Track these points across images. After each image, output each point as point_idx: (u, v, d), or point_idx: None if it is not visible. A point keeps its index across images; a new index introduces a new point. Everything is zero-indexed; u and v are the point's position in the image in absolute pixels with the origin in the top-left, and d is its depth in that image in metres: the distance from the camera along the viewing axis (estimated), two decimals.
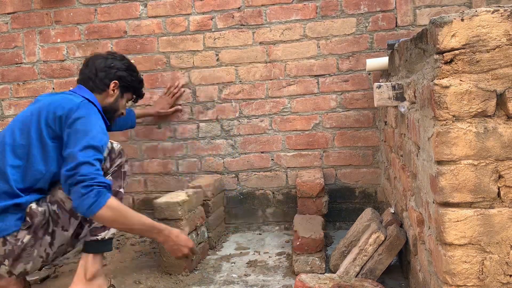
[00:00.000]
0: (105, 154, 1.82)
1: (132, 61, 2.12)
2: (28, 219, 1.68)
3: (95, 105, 1.84)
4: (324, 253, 2.16)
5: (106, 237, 1.82)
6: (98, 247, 1.81)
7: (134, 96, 2.14)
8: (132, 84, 2.04)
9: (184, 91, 2.88)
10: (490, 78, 1.11)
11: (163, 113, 2.84)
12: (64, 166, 1.61)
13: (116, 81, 1.97)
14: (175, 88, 2.85)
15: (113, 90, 1.97)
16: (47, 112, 1.72)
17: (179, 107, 2.88)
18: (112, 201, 1.61)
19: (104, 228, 1.80)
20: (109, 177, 1.85)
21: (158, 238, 1.80)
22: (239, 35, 2.82)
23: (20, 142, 1.72)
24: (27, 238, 1.68)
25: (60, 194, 1.74)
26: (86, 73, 1.95)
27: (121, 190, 1.91)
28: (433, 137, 1.17)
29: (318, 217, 2.36)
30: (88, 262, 1.79)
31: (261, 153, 2.87)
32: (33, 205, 1.70)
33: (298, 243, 2.08)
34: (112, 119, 2.04)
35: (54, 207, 1.73)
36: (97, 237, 1.81)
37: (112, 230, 1.84)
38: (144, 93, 2.19)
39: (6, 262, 1.67)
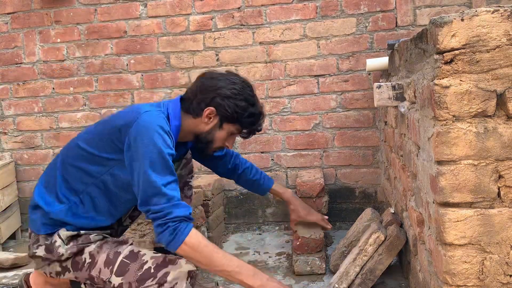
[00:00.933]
0: (168, 285, 1.47)
1: (249, 85, 1.63)
2: (47, 246, 1.51)
3: (168, 121, 1.52)
4: (324, 253, 2.16)
5: None
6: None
7: (243, 131, 1.64)
8: (236, 116, 1.57)
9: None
10: (490, 78, 1.11)
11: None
12: (137, 196, 1.43)
13: (212, 108, 1.55)
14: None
15: (208, 118, 1.57)
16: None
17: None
18: (191, 238, 1.38)
19: None
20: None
21: (255, 282, 1.42)
22: (239, 35, 2.82)
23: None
24: (40, 252, 1.53)
25: (102, 256, 1.50)
26: (189, 91, 1.62)
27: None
28: (433, 137, 1.17)
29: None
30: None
31: (261, 153, 2.87)
32: (58, 242, 1.50)
33: (298, 243, 2.08)
34: (204, 150, 1.67)
35: (88, 259, 1.50)
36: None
37: None
38: (260, 128, 1.68)
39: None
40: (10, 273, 2.17)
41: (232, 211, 2.90)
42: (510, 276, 1.13)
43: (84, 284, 1.57)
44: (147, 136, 1.41)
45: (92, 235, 1.53)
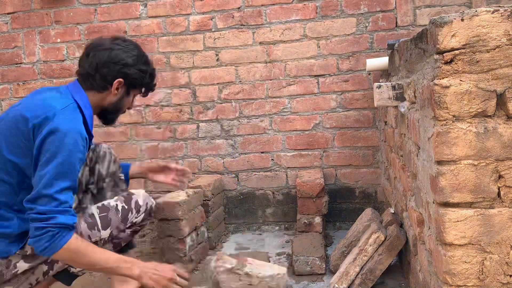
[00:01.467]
0: (143, 208, 1.70)
1: (138, 46, 1.70)
2: (28, 253, 1.48)
3: (81, 111, 1.53)
4: (324, 253, 2.16)
5: (79, 273, 1.64)
6: (64, 277, 1.63)
7: (144, 91, 1.72)
8: (141, 81, 1.64)
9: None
10: (490, 78, 1.11)
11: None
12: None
13: (121, 80, 1.59)
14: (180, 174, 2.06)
15: (117, 89, 1.60)
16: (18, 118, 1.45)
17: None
18: (71, 244, 1.37)
19: None
20: (127, 231, 1.69)
21: (134, 272, 1.47)
22: (239, 35, 2.82)
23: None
24: (23, 266, 1.49)
25: (83, 226, 1.57)
26: (86, 67, 1.58)
27: (123, 244, 1.74)
28: (433, 137, 1.17)
29: (263, 254, 2.27)
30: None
31: (261, 153, 2.87)
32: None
33: None
34: (114, 119, 1.72)
35: None
36: (71, 269, 1.62)
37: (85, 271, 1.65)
38: (155, 85, 1.76)
39: None
40: None
41: (232, 211, 2.90)
42: (510, 276, 1.13)
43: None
44: (60, 138, 1.38)
45: None
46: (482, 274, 1.14)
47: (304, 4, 2.75)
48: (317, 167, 2.80)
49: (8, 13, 3.01)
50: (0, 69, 3.05)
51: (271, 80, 2.82)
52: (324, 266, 2.07)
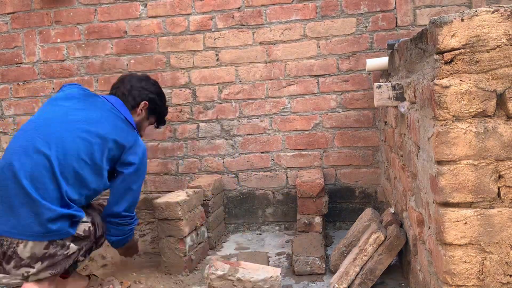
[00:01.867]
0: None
1: (160, 87, 2.19)
2: (81, 233, 1.78)
3: (134, 128, 1.97)
4: (324, 253, 2.16)
5: (79, 264, 2.08)
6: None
7: (157, 122, 2.20)
8: (159, 110, 2.13)
9: None
10: (490, 78, 1.11)
11: None
12: (118, 203, 1.91)
13: (147, 102, 2.05)
14: None
15: (142, 110, 2.05)
16: (110, 139, 1.85)
17: None
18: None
19: (84, 255, 1.89)
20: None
21: None
22: (239, 35, 2.82)
23: (82, 157, 1.76)
24: (73, 248, 1.76)
25: (99, 219, 1.90)
26: (121, 89, 2.04)
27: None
28: (433, 137, 1.17)
29: (262, 254, 2.28)
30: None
31: (261, 153, 2.87)
32: (87, 225, 1.81)
33: None
34: None
35: (92, 228, 1.84)
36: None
37: (85, 262, 2.11)
38: (166, 121, 2.27)
39: (38, 264, 1.65)
40: None
41: (232, 211, 2.90)
42: (510, 276, 1.13)
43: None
44: (144, 164, 1.97)
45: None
46: (482, 274, 1.14)
47: (304, 4, 2.75)
48: (317, 167, 2.80)
49: (8, 13, 3.01)
50: (0, 69, 3.05)
51: (271, 80, 2.82)
52: (324, 266, 2.07)
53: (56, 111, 1.82)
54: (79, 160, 1.73)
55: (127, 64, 2.93)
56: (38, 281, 1.68)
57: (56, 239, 1.68)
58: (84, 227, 1.78)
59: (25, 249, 1.62)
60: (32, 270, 1.64)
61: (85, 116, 1.82)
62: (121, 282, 2.05)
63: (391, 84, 1.72)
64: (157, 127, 2.25)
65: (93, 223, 1.84)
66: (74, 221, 1.74)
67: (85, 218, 1.79)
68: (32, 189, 1.62)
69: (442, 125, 1.14)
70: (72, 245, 1.74)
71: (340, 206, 2.80)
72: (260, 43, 2.81)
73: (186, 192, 2.32)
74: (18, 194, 1.63)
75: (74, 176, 1.73)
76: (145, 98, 2.04)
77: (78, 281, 1.99)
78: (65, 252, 1.72)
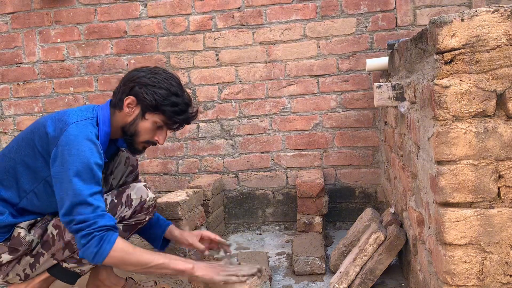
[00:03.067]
0: (136, 202, 1.63)
1: (174, 78, 1.62)
2: (13, 243, 1.51)
3: (97, 128, 1.53)
4: (324, 253, 2.16)
5: (76, 270, 1.60)
6: (58, 272, 1.60)
7: (168, 122, 1.56)
8: (156, 105, 1.52)
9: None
10: (490, 78, 1.11)
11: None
12: (59, 208, 1.41)
13: (132, 97, 1.52)
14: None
15: (130, 108, 1.54)
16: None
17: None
18: (118, 244, 1.38)
19: (75, 260, 1.57)
20: (118, 226, 1.56)
21: (187, 265, 1.47)
22: (239, 35, 2.82)
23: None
24: (6, 257, 1.52)
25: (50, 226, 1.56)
26: (116, 87, 1.62)
27: None
28: (433, 137, 1.17)
29: (262, 253, 2.22)
30: (37, 279, 1.60)
31: (261, 153, 2.87)
32: (22, 232, 1.51)
33: None
34: (132, 144, 1.60)
35: (54, 232, 1.53)
36: (63, 264, 1.59)
37: (83, 268, 1.60)
38: (189, 120, 1.61)
39: None
40: None
41: (232, 211, 2.90)
42: (510, 276, 1.13)
43: (64, 260, 1.57)
44: (74, 146, 1.41)
45: (47, 216, 1.59)
46: (482, 274, 1.14)
47: (304, 4, 2.75)
48: (317, 167, 2.81)
49: (8, 13, 3.01)
50: (0, 69, 3.05)
51: (271, 80, 2.82)
52: (324, 266, 2.07)
53: None
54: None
55: (127, 64, 2.93)
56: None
57: None
58: (16, 231, 1.51)
59: None
60: None
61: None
62: (163, 287, 2.00)
63: (391, 84, 1.72)
64: (174, 129, 1.61)
65: (55, 226, 1.54)
66: (9, 226, 1.51)
67: (22, 224, 1.52)
68: None
69: (442, 125, 1.14)
70: (5, 254, 1.51)
71: (340, 206, 2.80)
72: (260, 43, 2.81)
73: (186, 192, 2.32)
74: None
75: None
76: (129, 92, 1.53)
77: (113, 281, 1.80)
78: None
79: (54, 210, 1.53)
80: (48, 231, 1.54)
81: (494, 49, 1.10)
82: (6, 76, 3.05)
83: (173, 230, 1.84)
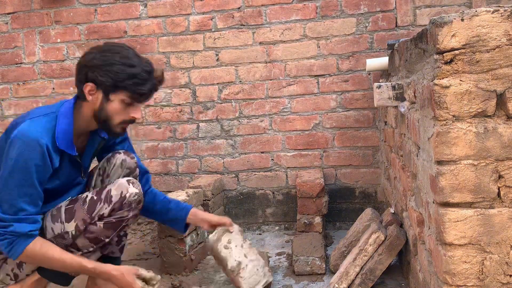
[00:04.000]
0: (116, 198, 1.57)
1: (127, 49, 1.52)
2: None
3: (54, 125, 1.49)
4: (324, 253, 2.16)
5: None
6: (46, 273, 1.57)
7: (134, 96, 1.49)
8: (115, 83, 1.45)
9: None
10: (490, 78, 1.11)
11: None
12: None
13: (90, 84, 1.46)
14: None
15: (92, 95, 1.48)
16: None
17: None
18: (27, 251, 1.43)
19: None
20: (98, 224, 1.57)
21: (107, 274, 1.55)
22: (239, 35, 2.82)
23: None
24: None
25: (48, 220, 1.56)
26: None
27: (106, 240, 1.61)
28: (433, 137, 1.17)
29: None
30: (29, 280, 1.58)
31: (261, 153, 2.87)
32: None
33: None
34: (109, 129, 1.56)
35: None
36: None
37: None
38: (153, 88, 1.54)
39: None
40: None
41: (232, 211, 2.90)
42: (510, 276, 1.13)
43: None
44: (17, 147, 1.41)
45: None
46: (482, 274, 1.14)
47: (304, 4, 2.75)
48: (317, 167, 2.80)
49: (8, 13, 3.01)
50: (0, 69, 3.05)
51: (271, 80, 2.82)
52: (324, 266, 2.07)
53: None
54: None
55: None
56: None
57: None
58: None
59: None
60: None
61: None
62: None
63: (391, 84, 1.72)
64: (142, 100, 1.53)
65: None
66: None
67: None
68: None
69: (442, 125, 1.14)
70: None
71: (340, 206, 2.80)
72: (260, 43, 2.81)
73: (186, 192, 2.32)
74: None
75: None
76: (86, 79, 1.47)
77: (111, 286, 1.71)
78: None
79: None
80: None
81: (494, 49, 1.10)
82: (6, 76, 3.05)
83: (195, 212, 1.86)
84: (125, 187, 1.58)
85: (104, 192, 1.58)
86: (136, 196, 1.60)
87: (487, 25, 1.09)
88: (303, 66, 2.78)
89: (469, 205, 1.15)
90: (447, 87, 1.13)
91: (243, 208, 2.89)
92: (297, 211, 2.50)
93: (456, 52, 1.11)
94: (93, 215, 1.55)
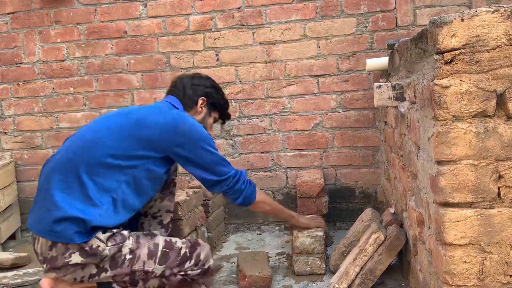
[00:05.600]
0: (201, 264, 1.69)
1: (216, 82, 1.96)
2: (87, 247, 1.50)
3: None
4: (324, 253, 2.16)
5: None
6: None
7: (221, 117, 1.98)
8: (219, 102, 1.93)
9: None
10: (490, 78, 1.11)
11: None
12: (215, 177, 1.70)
13: (204, 98, 1.87)
14: None
15: (201, 107, 1.87)
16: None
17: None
18: (258, 192, 1.86)
19: None
20: (178, 277, 1.65)
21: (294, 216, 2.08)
22: (239, 35, 2.82)
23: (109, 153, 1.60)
24: (76, 258, 1.51)
25: (144, 250, 1.58)
26: (175, 91, 1.87)
27: None
28: (433, 137, 1.17)
29: (262, 253, 2.23)
30: (86, 285, 1.61)
31: (261, 153, 2.87)
32: (101, 246, 1.51)
33: (245, 283, 1.96)
34: None
35: (128, 256, 1.55)
36: (115, 285, 1.61)
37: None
38: (230, 115, 2.05)
39: (44, 265, 1.54)
40: (10, 273, 2.17)
41: (232, 211, 2.90)
42: (510, 276, 1.13)
43: (117, 282, 1.59)
44: (196, 130, 1.66)
45: (123, 231, 1.59)
46: (482, 274, 1.14)
47: (304, 4, 2.75)
48: (317, 167, 2.80)
49: (8, 13, 3.01)
50: (0, 69, 3.05)
51: (271, 80, 2.82)
52: (324, 266, 2.07)
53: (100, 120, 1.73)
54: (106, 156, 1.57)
55: (127, 64, 2.93)
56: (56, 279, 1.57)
57: (57, 241, 1.49)
58: (95, 242, 1.50)
59: (37, 245, 1.54)
60: (43, 269, 1.57)
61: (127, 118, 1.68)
62: None
63: (391, 84, 1.72)
64: (223, 122, 2.04)
65: (131, 251, 1.55)
66: (91, 229, 1.51)
67: (107, 233, 1.53)
68: (55, 184, 1.54)
69: (442, 125, 1.14)
70: (75, 255, 1.50)
71: (340, 206, 2.80)
72: (260, 43, 2.81)
73: (186, 192, 2.32)
74: (46, 188, 1.56)
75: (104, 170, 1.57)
76: (201, 94, 1.87)
77: None
78: (66, 260, 1.50)
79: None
80: (123, 252, 1.55)
81: (494, 49, 1.10)
82: (6, 76, 3.05)
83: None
84: (209, 257, 1.72)
85: (195, 253, 1.68)
86: (212, 269, 1.78)
87: (487, 25, 1.09)
88: (303, 66, 2.78)
89: (469, 205, 1.15)
90: (447, 87, 1.13)
91: (243, 208, 2.88)
92: (297, 211, 2.50)
93: (456, 52, 1.11)
94: (180, 269, 1.63)
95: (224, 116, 2.00)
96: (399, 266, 2.04)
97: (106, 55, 2.95)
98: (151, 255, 1.58)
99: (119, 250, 1.54)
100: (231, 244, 2.63)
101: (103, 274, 1.55)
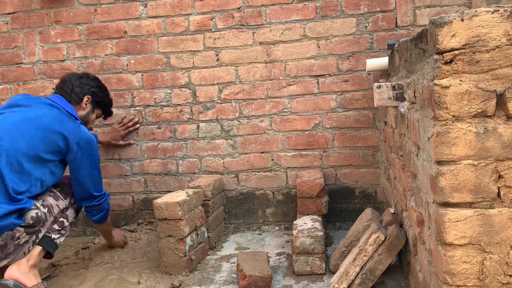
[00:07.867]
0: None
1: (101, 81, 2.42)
2: (30, 221, 1.90)
3: (77, 119, 2.20)
4: (324, 253, 2.16)
5: (57, 241, 2.07)
6: (47, 244, 2.02)
7: (104, 113, 2.47)
8: (103, 101, 2.40)
9: (138, 126, 2.94)
10: (490, 78, 1.11)
11: (114, 144, 2.92)
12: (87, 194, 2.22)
13: (89, 96, 2.31)
14: (129, 122, 2.91)
15: (86, 104, 2.30)
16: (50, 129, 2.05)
17: (131, 142, 2.95)
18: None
19: (59, 232, 2.08)
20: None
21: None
22: (239, 35, 2.82)
23: (25, 152, 1.94)
24: (25, 236, 1.89)
25: (50, 199, 2.06)
26: (64, 88, 2.27)
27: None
28: (433, 137, 1.17)
29: (262, 253, 2.18)
30: (35, 252, 1.96)
31: (261, 153, 2.87)
32: (35, 211, 1.93)
33: (245, 283, 1.94)
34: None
35: (45, 210, 1.99)
36: (52, 235, 2.04)
37: (62, 239, 2.10)
38: (112, 112, 2.54)
39: None
40: None
41: (232, 211, 2.90)
42: (510, 276, 1.14)
43: (51, 231, 2.05)
44: (91, 148, 2.17)
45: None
46: (482, 274, 1.14)
47: (304, 4, 2.75)
48: (317, 167, 2.81)
49: (8, 13, 3.01)
50: (0, 69, 3.05)
51: (271, 80, 2.82)
52: (324, 266, 2.07)
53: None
54: (22, 155, 1.90)
55: (127, 64, 2.93)
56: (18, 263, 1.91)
57: (4, 232, 1.81)
58: (31, 214, 1.90)
59: None
60: None
61: (25, 115, 2.01)
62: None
63: (391, 84, 1.72)
64: (104, 118, 2.55)
65: (45, 206, 2.00)
66: (22, 212, 1.87)
67: (32, 206, 1.92)
68: None
69: (442, 125, 1.14)
70: (23, 233, 1.87)
71: (340, 206, 2.80)
72: (260, 43, 2.81)
73: (186, 192, 2.32)
74: None
75: (18, 170, 1.89)
76: (87, 92, 2.29)
77: None
78: (16, 242, 1.86)
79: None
80: (41, 212, 1.96)
81: (494, 49, 1.10)
82: (6, 76, 3.05)
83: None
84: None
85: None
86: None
87: (487, 25, 1.09)
88: (303, 66, 2.78)
89: (469, 205, 1.15)
90: (447, 87, 1.13)
91: (243, 208, 2.89)
92: (297, 211, 2.50)
93: (456, 52, 1.11)
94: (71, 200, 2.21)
95: (107, 113, 2.48)
96: (399, 266, 2.04)
97: (106, 55, 2.95)
98: (56, 198, 2.09)
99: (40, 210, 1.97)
100: (231, 244, 2.63)
101: (40, 234, 1.97)
